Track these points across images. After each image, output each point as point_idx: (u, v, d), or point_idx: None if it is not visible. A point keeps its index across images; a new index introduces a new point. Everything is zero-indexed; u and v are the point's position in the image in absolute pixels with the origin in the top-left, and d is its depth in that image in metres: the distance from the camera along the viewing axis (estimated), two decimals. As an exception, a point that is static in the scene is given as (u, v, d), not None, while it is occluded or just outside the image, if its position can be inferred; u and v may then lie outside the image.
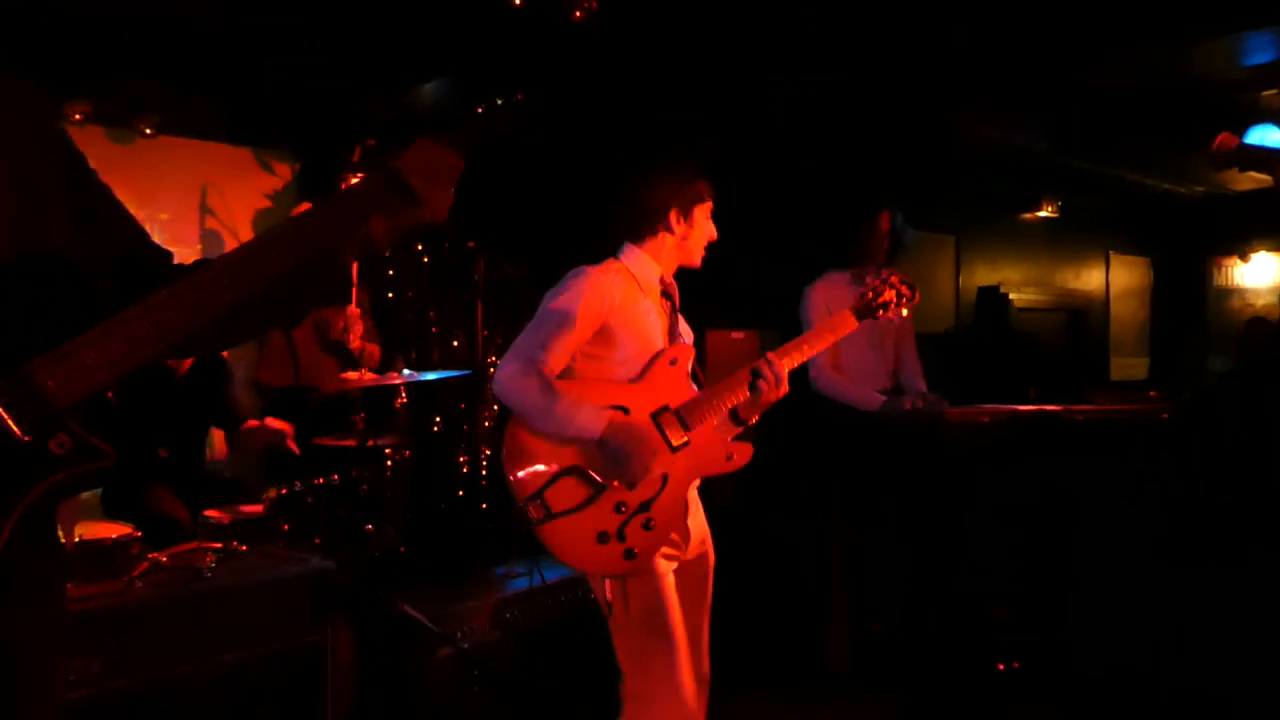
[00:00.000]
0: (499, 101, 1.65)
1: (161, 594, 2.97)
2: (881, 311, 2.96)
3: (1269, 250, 9.45)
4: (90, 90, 4.42)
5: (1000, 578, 4.40)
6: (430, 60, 4.57)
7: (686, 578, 2.71)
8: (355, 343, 4.26)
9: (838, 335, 2.91)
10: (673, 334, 2.79)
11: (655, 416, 2.62)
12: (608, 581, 2.58)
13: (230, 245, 5.09)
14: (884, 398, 4.38)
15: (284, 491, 3.85)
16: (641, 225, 2.78)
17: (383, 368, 4.37)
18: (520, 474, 2.55)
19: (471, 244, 5.23)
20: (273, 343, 4.49)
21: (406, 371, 4.24)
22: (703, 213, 2.79)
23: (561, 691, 3.73)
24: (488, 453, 5.15)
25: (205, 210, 5.09)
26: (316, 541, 3.74)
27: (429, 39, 4.36)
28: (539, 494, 2.52)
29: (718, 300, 4.63)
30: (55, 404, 1.32)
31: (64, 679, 1.73)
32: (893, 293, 2.98)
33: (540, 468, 2.55)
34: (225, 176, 5.13)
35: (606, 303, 2.64)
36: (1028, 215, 8.53)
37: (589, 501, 2.54)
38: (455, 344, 5.25)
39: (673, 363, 2.70)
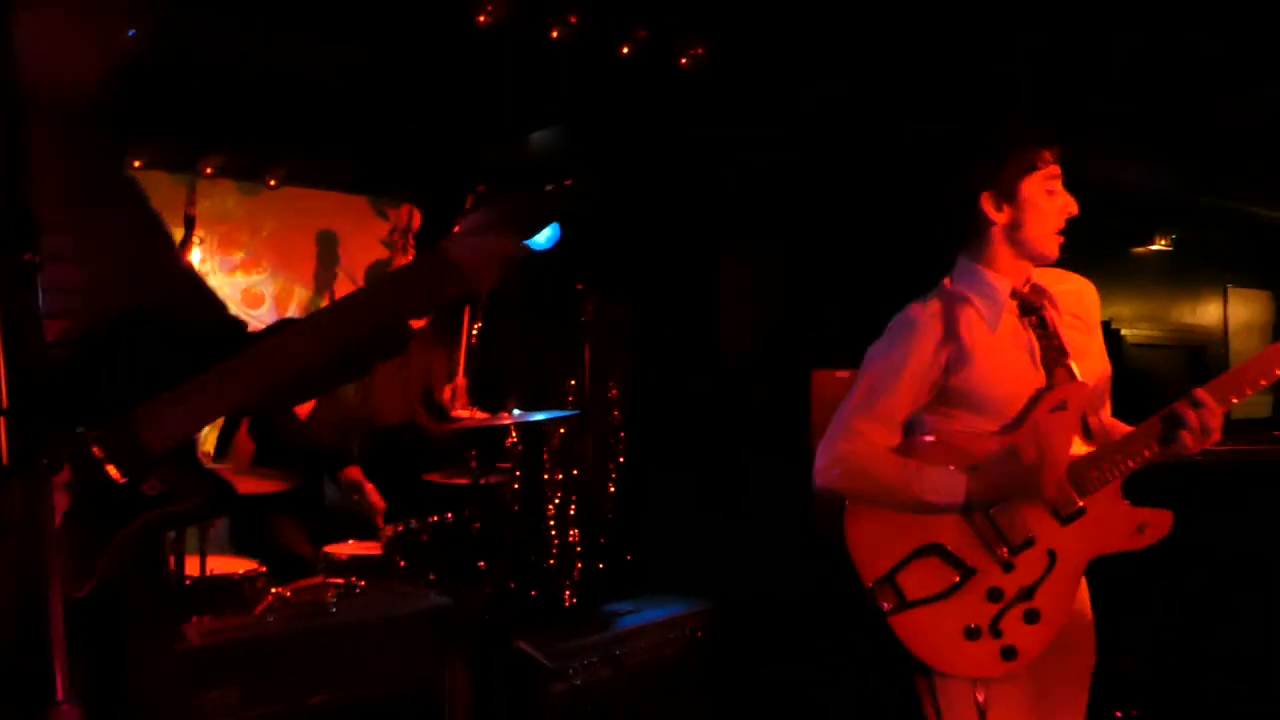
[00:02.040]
0: (550, 187, 1.66)
1: (290, 628, 3.09)
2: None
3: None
4: (222, 144, 4.67)
5: (1128, 627, 4.25)
6: (541, 109, 4.71)
7: (1061, 669, 2.17)
8: (459, 412, 4.40)
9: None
10: (1050, 359, 2.14)
11: None
12: (955, 685, 2.11)
13: (346, 289, 5.31)
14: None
15: (400, 529, 3.96)
16: (959, 229, 2.22)
17: (494, 408, 4.47)
18: (865, 553, 2.13)
19: (580, 285, 5.33)
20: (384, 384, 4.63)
21: (516, 411, 4.33)
22: (1036, 185, 2.13)
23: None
24: (612, 491, 5.22)
25: (325, 257, 5.31)
26: (432, 578, 3.83)
27: (540, 89, 4.49)
28: (889, 577, 2.10)
29: (822, 334, 4.60)
30: (149, 451, 1.45)
31: (186, 707, 1.85)
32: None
33: (891, 547, 2.12)
34: (345, 224, 5.35)
35: (938, 350, 2.14)
36: (1140, 249, 8.31)
37: (954, 588, 2.09)
38: (566, 384, 5.33)
39: (1059, 407, 2.09)
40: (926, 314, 2.18)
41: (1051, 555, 2.09)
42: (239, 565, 3.59)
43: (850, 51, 4.18)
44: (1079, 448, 2.18)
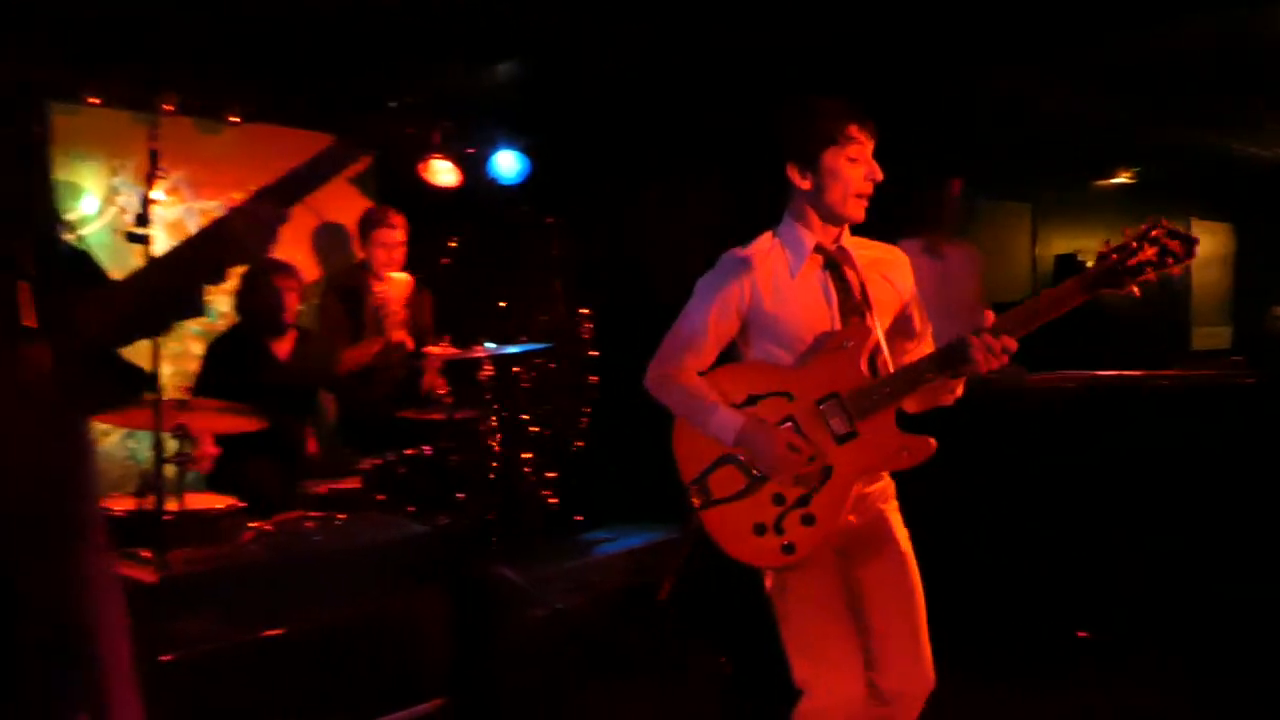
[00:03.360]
0: (393, 104, 1.88)
1: (271, 557, 3.13)
2: (1130, 279, 2.26)
3: (1361, 213, 9.15)
4: (177, 83, 4.58)
5: (1086, 547, 4.36)
6: (504, 39, 4.65)
7: (876, 571, 2.50)
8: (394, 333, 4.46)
9: (1064, 309, 2.29)
10: (847, 308, 2.47)
11: (819, 403, 2.41)
12: (768, 571, 2.49)
13: (315, 226, 5.28)
14: None
15: (378, 463, 3.99)
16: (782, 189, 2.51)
17: (465, 341, 4.48)
18: (683, 457, 2.51)
19: (549, 220, 5.33)
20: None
21: (489, 345, 4.35)
22: (837, 156, 2.40)
23: (651, 651, 3.81)
24: (585, 424, 5.27)
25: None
26: (410, 511, 3.88)
27: (503, 18, 4.44)
28: (701, 479, 2.48)
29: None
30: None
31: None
32: (1154, 250, 2.24)
33: (702, 453, 2.48)
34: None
35: (745, 292, 2.46)
36: (1102, 182, 8.38)
37: (746, 491, 2.44)
38: (538, 318, 5.36)
39: (844, 345, 2.41)
40: (741, 255, 2.51)
41: (826, 470, 2.40)
42: (218, 501, 3.62)
43: None
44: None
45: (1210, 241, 9.52)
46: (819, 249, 2.48)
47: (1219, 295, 9.67)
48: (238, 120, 4.90)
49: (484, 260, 5.33)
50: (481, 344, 4.36)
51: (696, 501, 2.47)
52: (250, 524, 3.37)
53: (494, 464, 4.50)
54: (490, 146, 5.43)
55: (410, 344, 4.58)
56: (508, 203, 5.55)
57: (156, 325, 1.97)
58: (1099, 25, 4.90)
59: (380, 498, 3.94)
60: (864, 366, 2.41)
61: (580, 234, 5.44)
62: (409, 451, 4.03)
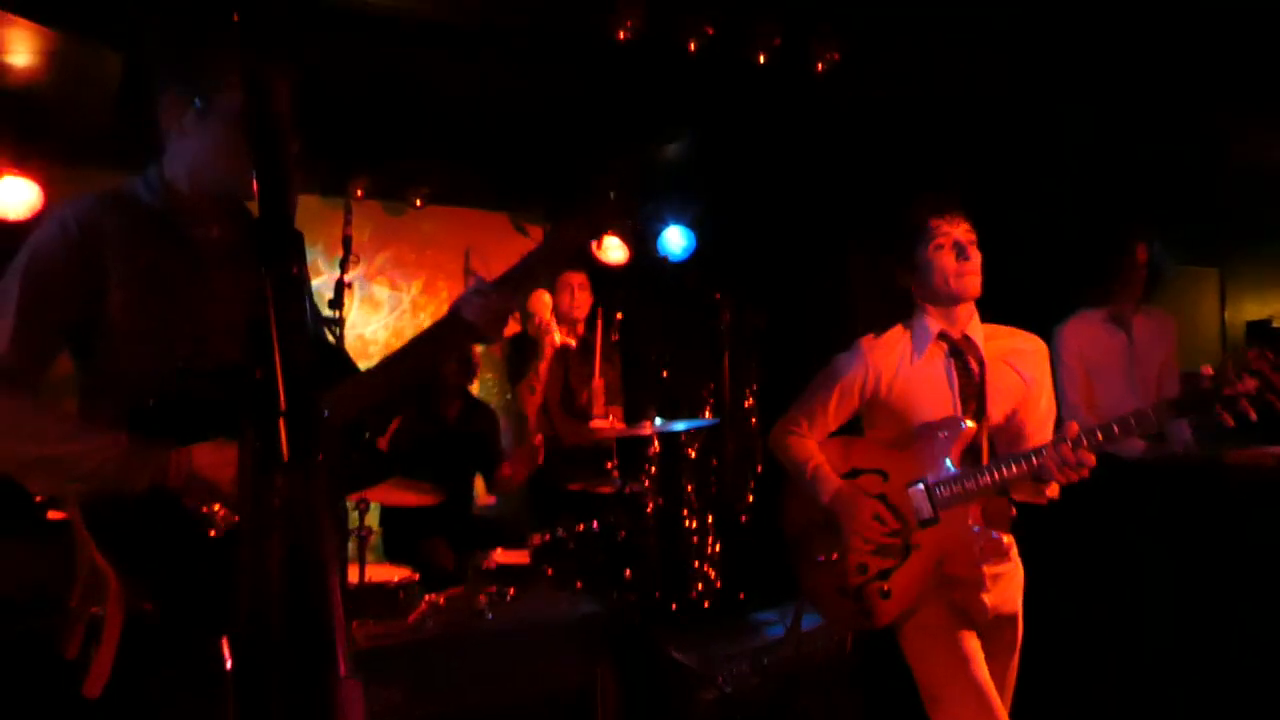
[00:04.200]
0: (600, 196, 1.98)
1: (447, 633, 3.18)
2: (1223, 408, 2.15)
3: None
4: (367, 167, 4.85)
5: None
6: (674, 119, 4.73)
7: (990, 651, 2.57)
8: (598, 420, 4.47)
9: (1148, 431, 2.26)
10: (967, 393, 2.60)
11: (909, 486, 2.57)
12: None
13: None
14: (1145, 444, 4.06)
15: (547, 537, 4.03)
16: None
17: (634, 418, 4.51)
18: (790, 518, 2.76)
19: (717, 295, 5.35)
20: (538, 405, 4.71)
21: (658, 421, 4.36)
22: (923, 250, 2.61)
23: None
24: (751, 500, 5.22)
25: (469, 272, 5.47)
26: (579, 586, 3.89)
27: (671, 98, 4.52)
28: (801, 536, 2.69)
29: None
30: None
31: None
32: (1254, 382, 2.11)
33: (804, 514, 2.71)
34: (486, 240, 5.50)
35: (869, 375, 2.66)
36: (1302, 243, 7.85)
37: (838, 556, 2.62)
38: (705, 393, 5.35)
39: (943, 435, 2.56)
40: (870, 343, 2.70)
41: (907, 549, 2.53)
42: (394, 573, 3.73)
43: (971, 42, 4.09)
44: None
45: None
46: (943, 336, 2.63)
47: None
48: (420, 203, 5.14)
49: (652, 335, 5.39)
50: (650, 419, 4.38)
51: (795, 558, 2.68)
52: (425, 597, 3.45)
53: (661, 540, 4.48)
54: (659, 223, 5.51)
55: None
56: (675, 278, 5.60)
57: (396, 412, 2.11)
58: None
59: (550, 572, 3.97)
60: (954, 458, 2.53)
61: (747, 308, 5.44)
62: (578, 526, 4.06)
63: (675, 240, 5.50)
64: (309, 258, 5.00)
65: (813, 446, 2.72)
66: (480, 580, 3.83)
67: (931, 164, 4.91)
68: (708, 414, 4.95)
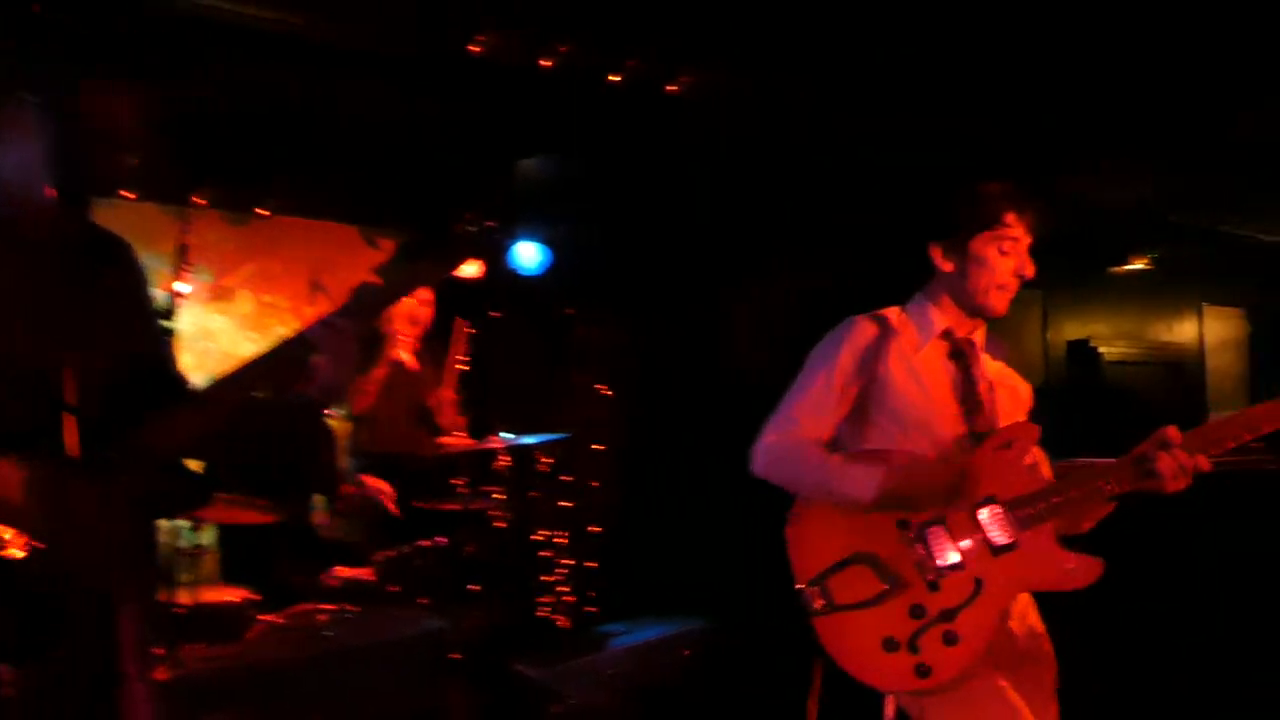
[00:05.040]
0: (467, 228, 1.86)
1: (284, 655, 3.10)
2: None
3: (1369, 299, 9.17)
4: (211, 177, 4.69)
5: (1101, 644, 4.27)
6: (533, 137, 4.75)
7: (1022, 682, 2.18)
8: (447, 427, 4.43)
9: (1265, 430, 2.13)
10: (971, 403, 2.28)
11: (976, 507, 2.15)
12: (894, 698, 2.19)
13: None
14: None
15: (392, 555, 3.97)
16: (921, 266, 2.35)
17: (481, 432, 4.49)
18: (802, 554, 2.22)
19: (570, 310, 5.38)
20: (368, 406, 4.63)
21: (506, 435, 4.35)
22: (987, 243, 2.25)
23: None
24: (601, 513, 5.24)
25: (315, 287, 5.34)
26: (425, 603, 3.84)
27: (531, 117, 4.54)
28: (821, 579, 2.17)
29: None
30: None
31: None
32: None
33: (826, 550, 2.18)
34: (335, 254, 5.38)
35: (869, 344, 2.27)
36: (1118, 268, 8.43)
37: (880, 598, 2.12)
38: (555, 408, 5.37)
39: (1008, 444, 2.18)
40: (865, 322, 2.32)
41: (978, 582, 2.11)
42: (230, 594, 3.61)
43: (840, 82, 4.25)
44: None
45: (1222, 326, 9.55)
46: (947, 334, 2.32)
47: (1234, 379, 9.64)
48: (266, 214, 5.00)
49: (502, 349, 5.37)
50: (498, 434, 4.37)
51: (816, 606, 2.15)
52: (262, 617, 3.35)
53: (510, 555, 4.47)
54: (512, 238, 5.50)
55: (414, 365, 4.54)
56: (528, 293, 5.61)
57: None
58: (1120, 116, 4.97)
59: (394, 590, 3.92)
60: (1027, 470, 2.19)
61: (601, 324, 5.48)
62: (424, 542, 4.01)
63: (529, 255, 5.50)
64: (148, 267, 4.79)
65: (819, 447, 2.24)
66: (324, 598, 3.76)
67: (788, 185, 5.07)
68: (558, 429, 4.96)
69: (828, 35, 3.86)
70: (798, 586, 2.19)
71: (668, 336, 5.46)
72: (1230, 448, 2.11)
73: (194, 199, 4.46)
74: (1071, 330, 8.13)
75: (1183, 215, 7.32)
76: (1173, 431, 2.10)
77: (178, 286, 3.46)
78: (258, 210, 5.01)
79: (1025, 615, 2.30)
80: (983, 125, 4.52)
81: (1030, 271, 2.26)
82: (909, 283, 2.43)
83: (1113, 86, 4.41)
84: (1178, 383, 8.93)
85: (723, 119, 4.48)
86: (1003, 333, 3.18)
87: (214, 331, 5.10)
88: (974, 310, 2.31)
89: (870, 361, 2.26)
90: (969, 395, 2.28)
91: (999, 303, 2.28)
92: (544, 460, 5.24)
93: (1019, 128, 4.67)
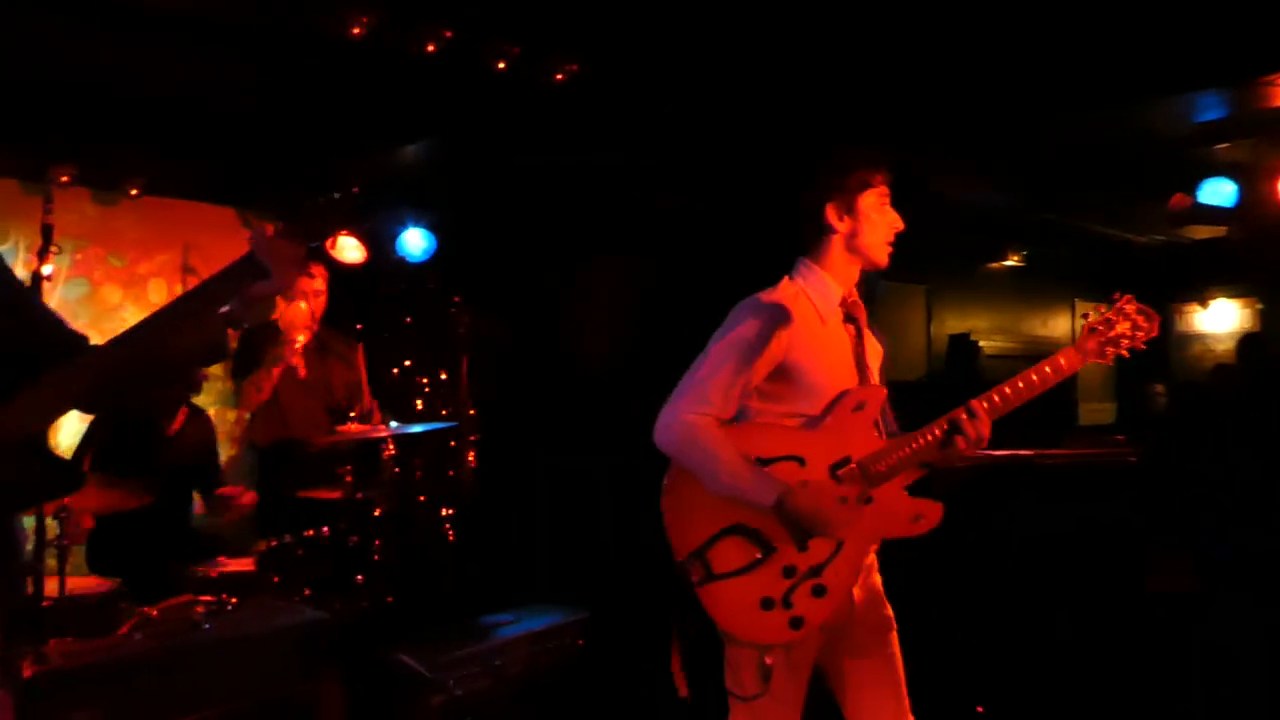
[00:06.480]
0: (336, 195, 1.92)
1: (158, 647, 3.01)
2: (1112, 348, 2.40)
3: (1227, 297, 9.69)
4: (76, 153, 4.50)
5: (978, 623, 4.45)
6: (411, 123, 4.69)
7: (865, 643, 2.42)
8: (359, 414, 4.38)
9: (1060, 376, 2.36)
10: (860, 367, 2.41)
11: (834, 469, 2.31)
12: (745, 652, 2.32)
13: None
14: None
15: (273, 544, 3.89)
16: (805, 233, 2.44)
17: (366, 420, 4.43)
18: (679, 528, 2.31)
19: (456, 299, 5.33)
20: (262, 403, 4.53)
21: (393, 424, 4.30)
22: (871, 200, 2.39)
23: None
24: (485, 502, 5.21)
25: (187, 269, 5.18)
26: (306, 594, 3.78)
27: (410, 101, 4.47)
28: (699, 553, 2.27)
29: (682, 341, 4.72)
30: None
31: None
32: (1127, 324, 2.41)
33: (702, 524, 2.29)
34: (209, 235, 5.23)
35: (784, 333, 2.32)
36: (995, 265, 8.73)
37: (755, 565, 2.27)
38: (440, 397, 5.33)
39: (858, 407, 2.33)
40: (773, 299, 2.39)
41: (840, 539, 2.29)
42: (100, 585, 3.49)
43: (708, 70, 4.30)
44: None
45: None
46: (843, 302, 2.42)
47: (1102, 373, 10.08)
48: (136, 193, 4.83)
49: (388, 337, 5.30)
50: (385, 422, 4.31)
51: (695, 577, 2.26)
52: (135, 609, 3.25)
53: (393, 545, 4.42)
54: (398, 224, 5.44)
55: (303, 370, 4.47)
56: (413, 280, 5.54)
57: (182, 377, 1.98)
58: (990, 122, 5.14)
59: (276, 580, 3.84)
60: (878, 430, 2.36)
61: (486, 314, 5.45)
62: (306, 533, 3.94)
63: (415, 242, 5.44)
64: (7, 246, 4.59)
65: (728, 437, 2.29)
66: (202, 589, 3.66)
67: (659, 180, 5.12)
68: (444, 417, 4.93)
69: (701, 26, 3.90)
70: (677, 560, 2.30)
71: (546, 322, 5.46)
72: (1015, 405, 2.35)
73: (57, 175, 4.28)
74: (953, 324, 8.39)
75: (1053, 215, 7.62)
76: (975, 404, 2.32)
77: (43, 269, 3.33)
78: (130, 189, 4.83)
79: (869, 574, 2.48)
80: (849, 124, 4.63)
81: (900, 224, 2.43)
82: (764, 268, 2.52)
83: (970, 89, 4.57)
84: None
85: (598, 106, 4.49)
86: (889, 325, 3.27)
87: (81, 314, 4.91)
88: (869, 265, 2.43)
89: (783, 343, 2.32)
90: (860, 356, 2.42)
91: (885, 257, 2.43)
92: (430, 449, 5.19)
93: (882, 126, 4.80)
